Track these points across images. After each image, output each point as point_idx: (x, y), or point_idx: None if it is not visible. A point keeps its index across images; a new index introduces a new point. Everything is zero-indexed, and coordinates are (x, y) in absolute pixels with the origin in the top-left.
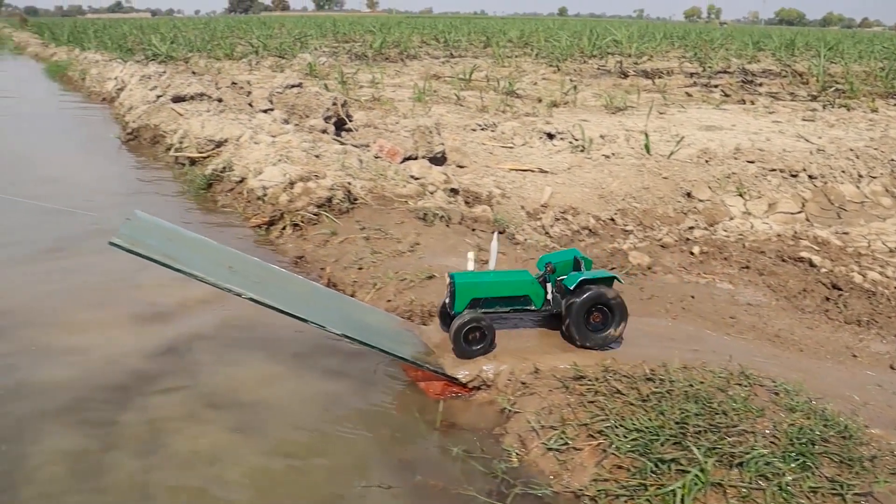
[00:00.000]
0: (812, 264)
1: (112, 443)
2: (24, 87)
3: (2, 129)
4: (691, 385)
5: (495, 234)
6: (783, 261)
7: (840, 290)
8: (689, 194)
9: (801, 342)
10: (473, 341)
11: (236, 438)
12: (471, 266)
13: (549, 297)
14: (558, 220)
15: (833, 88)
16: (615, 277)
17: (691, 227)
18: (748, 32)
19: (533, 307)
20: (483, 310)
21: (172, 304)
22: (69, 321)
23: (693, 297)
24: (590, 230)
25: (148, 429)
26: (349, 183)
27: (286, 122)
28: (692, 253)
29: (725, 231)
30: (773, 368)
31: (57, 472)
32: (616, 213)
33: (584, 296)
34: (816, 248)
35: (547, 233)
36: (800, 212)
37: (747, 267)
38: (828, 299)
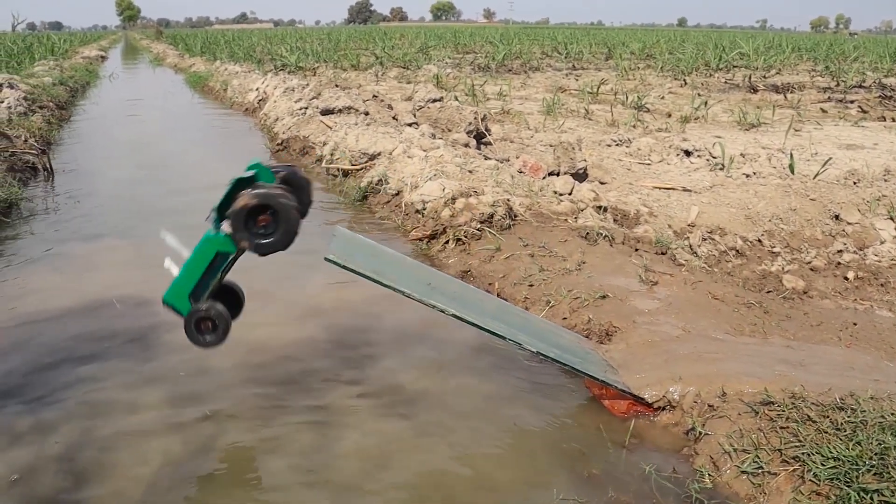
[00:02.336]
0: None
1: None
2: (170, 98)
3: (164, 137)
4: (883, 416)
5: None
6: None
7: None
8: (837, 217)
9: None
10: (206, 331)
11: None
12: (174, 272)
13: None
14: (705, 239)
15: None
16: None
17: (840, 251)
18: (882, 43)
19: (232, 254)
20: (204, 298)
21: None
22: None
23: (855, 324)
24: (737, 251)
25: (318, 425)
26: (508, 199)
27: (433, 136)
28: (846, 278)
29: (876, 255)
30: None
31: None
32: (763, 234)
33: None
34: None
35: (694, 252)
36: None
37: None
38: None
